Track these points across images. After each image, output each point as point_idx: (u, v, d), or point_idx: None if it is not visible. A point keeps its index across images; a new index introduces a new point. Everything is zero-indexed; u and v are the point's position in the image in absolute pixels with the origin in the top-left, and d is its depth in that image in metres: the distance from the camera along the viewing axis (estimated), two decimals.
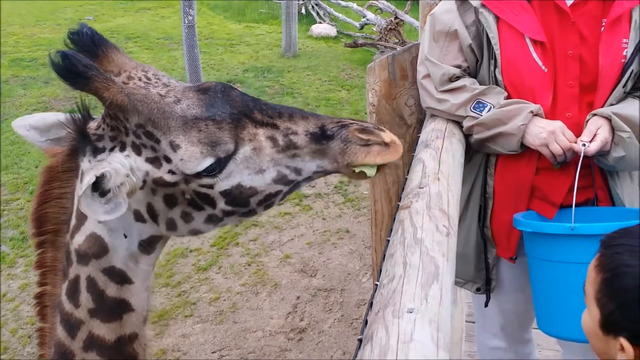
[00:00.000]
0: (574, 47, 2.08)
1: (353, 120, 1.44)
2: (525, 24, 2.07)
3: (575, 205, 2.01)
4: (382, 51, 12.42)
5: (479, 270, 2.37)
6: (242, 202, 1.40)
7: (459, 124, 2.16)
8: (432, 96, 2.18)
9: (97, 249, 1.43)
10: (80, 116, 1.38)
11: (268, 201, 1.43)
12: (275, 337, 4.97)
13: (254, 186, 1.39)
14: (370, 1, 14.33)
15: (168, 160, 1.34)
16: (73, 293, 1.47)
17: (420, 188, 1.47)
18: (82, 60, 1.24)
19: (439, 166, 1.61)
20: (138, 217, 1.42)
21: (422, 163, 1.63)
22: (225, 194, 1.37)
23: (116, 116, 1.33)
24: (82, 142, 1.36)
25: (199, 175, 1.34)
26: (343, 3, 15.46)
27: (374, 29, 13.71)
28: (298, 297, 5.43)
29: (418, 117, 2.15)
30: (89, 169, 1.32)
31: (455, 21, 2.16)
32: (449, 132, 1.93)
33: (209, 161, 1.33)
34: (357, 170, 1.43)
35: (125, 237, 1.44)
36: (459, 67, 2.16)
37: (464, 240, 2.34)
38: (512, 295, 2.44)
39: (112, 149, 1.35)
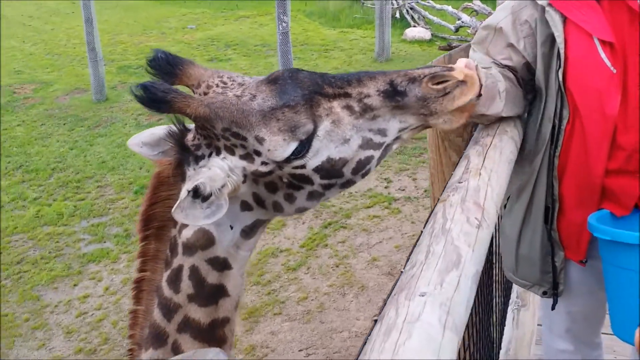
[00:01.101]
0: None
1: (420, 69, 1.47)
2: (593, 24, 2.03)
3: None
4: None
5: (545, 274, 2.34)
6: (336, 174, 1.46)
7: (512, 122, 2.15)
8: None
9: (205, 241, 1.54)
10: (177, 130, 1.50)
11: (362, 169, 1.48)
12: (361, 338, 5.03)
13: (343, 157, 1.44)
14: (465, 3, 14.14)
15: (258, 153, 1.43)
16: (174, 281, 1.58)
17: (459, 183, 1.49)
18: (160, 87, 1.35)
19: (483, 162, 1.61)
20: (245, 207, 1.53)
21: (468, 159, 1.64)
22: (318, 169, 1.44)
23: (204, 126, 1.44)
24: (183, 153, 1.48)
25: (288, 160, 1.42)
26: (438, 6, 15.34)
27: (469, 31, 13.51)
28: (385, 300, 5.46)
29: None
30: (191, 177, 1.44)
31: (504, 19, 2.15)
32: (501, 129, 1.91)
33: (293, 146, 1.40)
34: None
35: (231, 228, 1.54)
36: (499, 63, 2.16)
37: (528, 243, 2.31)
38: (582, 298, 2.39)
39: (210, 155, 1.46)
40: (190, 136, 1.51)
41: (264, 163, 1.43)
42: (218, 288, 1.58)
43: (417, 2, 16.16)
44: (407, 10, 16.24)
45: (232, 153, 1.44)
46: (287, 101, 1.40)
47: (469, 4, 13.95)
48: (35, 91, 12.62)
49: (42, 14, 20.52)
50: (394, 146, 1.51)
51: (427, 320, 0.85)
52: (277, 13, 10.53)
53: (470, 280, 1.00)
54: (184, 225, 1.55)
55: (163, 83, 1.38)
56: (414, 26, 15.50)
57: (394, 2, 16.08)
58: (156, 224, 1.60)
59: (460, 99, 1.45)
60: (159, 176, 1.56)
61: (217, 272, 1.56)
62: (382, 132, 1.46)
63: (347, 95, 1.44)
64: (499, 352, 2.40)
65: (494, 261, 2.20)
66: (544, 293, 2.36)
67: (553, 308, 2.35)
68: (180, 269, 1.57)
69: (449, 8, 14.64)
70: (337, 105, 1.43)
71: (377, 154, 1.47)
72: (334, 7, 18.11)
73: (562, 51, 2.06)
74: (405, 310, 0.87)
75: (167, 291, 1.59)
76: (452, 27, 14.36)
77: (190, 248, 1.55)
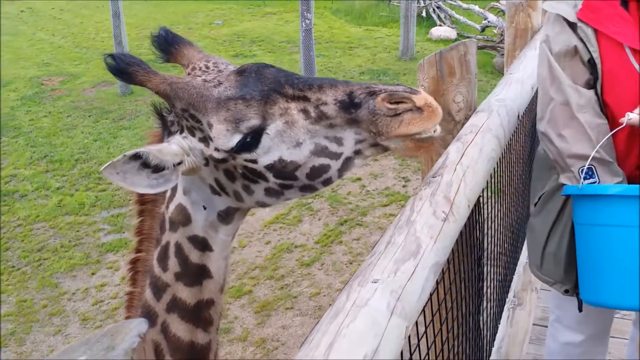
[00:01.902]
0: None
1: (383, 85, 1.41)
2: (623, 34, 2.04)
3: None
4: (503, 54, 12.14)
5: (569, 273, 2.36)
6: (289, 176, 1.46)
7: (499, 120, 2.13)
8: (558, 131, 2.17)
9: (183, 217, 1.59)
10: (164, 106, 1.56)
11: (319, 176, 1.46)
12: None
13: (294, 159, 1.43)
14: (492, 3, 14.07)
15: (211, 139, 1.45)
16: (163, 258, 1.64)
17: (433, 177, 1.49)
18: (126, 59, 1.42)
19: (461, 158, 1.61)
20: (213, 191, 1.57)
21: (447, 155, 1.64)
22: (269, 167, 1.45)
23: (168, 104, 1.49)
24: (163, 127, 1.56)
25: (237, 151, 1.43)
26: (465, 5, 15.26)
27: (495, 31, 13.44)
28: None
29: (466, 113, 2.14)
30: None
31: (572, 38, 2.13)
32: (485, 127, 1.91)
33: (236, 137, 1.41)
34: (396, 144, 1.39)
35: (205, 208, 1.59)
36: (588, 81, 2.14)
37: (557, 242, 2.35)
38: None
39: (176, 132, 1.52)
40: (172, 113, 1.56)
41: (216, 149, 1.45)
42: (201, 268, 1.63)
43: (444, 1, 16.09)
44: (433, 9, 16.18)
45: (193, 134, 1.48)
46: (244, 94, 1.41)
47: (496, 3, 13.86)
48: (62, 83, 12.84)
49: (73, 7, 20.82)
50: (356, 161, 1.46)
51: (375, 306, 0.87)
52: (300, 10, 10.62)
53: (428, 270, 1.03)
54: (170, 200, 1.61)
55: (132, 56, 1.44)
56: (440, 25, 15.42)
57: (421, 0, 16.04)
58: (149, 197, 1.66)
59: (408, 126, 1.36)
60: None
61: (198, 251, 1.61)
62: (339, 141, 1.43)
63: (306, 99, 1.43)
64: (490, 351, 2.42)
65: (486, 259, 2.22)
66: (566, 291, 2.38)
67: (580, 310, 2.37)
68: (167, 246, 1.63)
69: (476, 7, 14.54)
70: (294, 107, 1.42)
71: (335, 164, 1.44)
72: (360, 5, 18.09)
73: (598, 64, 2.08)
74: (356, 295, 0.90)
75: (157, 269, 1.65)
76: (478, 26, 14.28)
77: (173, 223, 1.61)
